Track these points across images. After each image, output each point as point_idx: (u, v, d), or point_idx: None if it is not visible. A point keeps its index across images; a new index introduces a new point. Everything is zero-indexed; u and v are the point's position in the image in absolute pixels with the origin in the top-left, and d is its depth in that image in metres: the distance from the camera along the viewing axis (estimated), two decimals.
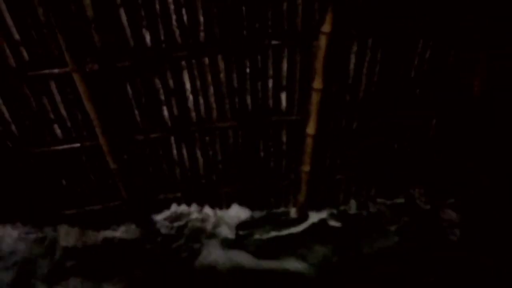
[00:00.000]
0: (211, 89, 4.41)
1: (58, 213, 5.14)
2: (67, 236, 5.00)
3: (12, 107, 4.21)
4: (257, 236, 5.29)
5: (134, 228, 5.27)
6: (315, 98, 4.44)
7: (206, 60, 4.20)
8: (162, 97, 4.41)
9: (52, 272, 4.76)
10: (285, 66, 4.37)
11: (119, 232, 5.21)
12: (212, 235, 5.18)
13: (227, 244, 5.12)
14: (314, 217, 5.56)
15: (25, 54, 3.89)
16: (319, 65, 4.24)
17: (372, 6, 4.02)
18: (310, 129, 4.66)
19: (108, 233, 5.18)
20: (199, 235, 5.18)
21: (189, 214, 5.31)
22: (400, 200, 5.79)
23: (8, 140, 4.44)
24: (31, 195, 4.92)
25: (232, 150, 4.96)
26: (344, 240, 5.23)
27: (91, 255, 4.95)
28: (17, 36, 3.74)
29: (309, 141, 4.75)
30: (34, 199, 4.97)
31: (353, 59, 4.43)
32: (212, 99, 4.49)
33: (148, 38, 3.97)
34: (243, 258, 4.92)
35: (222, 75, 4.33)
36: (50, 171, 4.75)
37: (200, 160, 4.99)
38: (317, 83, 4.34)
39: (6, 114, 4.25)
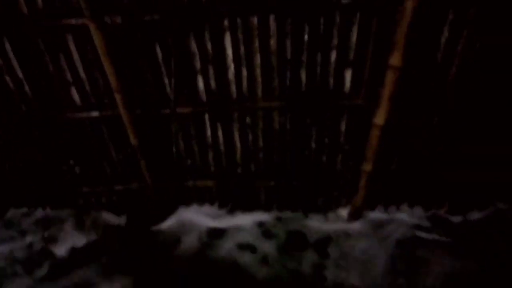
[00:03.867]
0: (258, 59, 3.53)
1: (74, 190, 4.53)
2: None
3: (25, 63, 3.59)
4: None
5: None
6: (390, 78, 3.43)
7: (255, 20, 3.32)
8: (198, 64, 3.60)
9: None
10: (355, 34, 3.40)
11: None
12: None
13: None
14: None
15: (39, 0, 3.23)
16: (400, 35, 3.22)
17: None
18: (379, 118, 3.66)
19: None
20: None
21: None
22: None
23: (21, 102, 3.85)
24: (44, 168, 4.33)
25: (277, 137, 4.07)
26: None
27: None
28: None
29: (375, 133, 3.76)
30: (48, 173, 4.38)
31: (446, 33, 3.38)
32: (258, 71, 3.61)
33: None
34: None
35: (273, 41, 3.44)
36: (66, 141, 4.12)
37: (238, 145, 4.16)
38: (396, 59, 3.32)
39: (19, 71, 3.64)
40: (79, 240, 4.24)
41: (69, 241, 4.24)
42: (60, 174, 4.38)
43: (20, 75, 3.67)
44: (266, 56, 3.52)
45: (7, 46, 3.47)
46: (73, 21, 3.28)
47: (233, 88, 3.73)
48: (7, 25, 3.33)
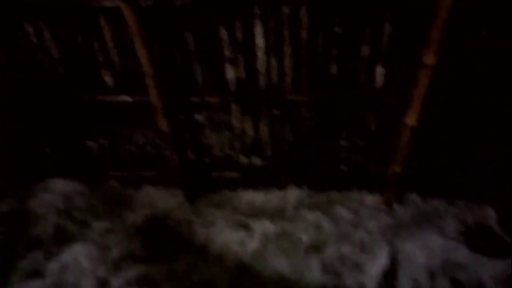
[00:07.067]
0: (288, 49, 3.48)
1: (104, 172, 4.64)
2: None
3: (59, 43, 3.71)
4: None
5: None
6: (423, 77, 3.29)
7: (286, 9, 3.27)
8: (227, 53, 3.59)
9: None
10: (388, 30, 3.28)
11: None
12: None
13: None
14: None
15: None
16: (437, 30, 3.08)
17: None
18: (410, 118, 3.52)
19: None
20: None
21: None
22: None
23: (55, 83, 3.98)
24: (77, 148, 4.47)
25: (305, 132, 4.00)
26: None
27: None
28: None
29: (406, 133, 3.61)
30: (81, 153, 4.51)
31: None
32: (287, 61, 3.56)
33: None
34: None
35: (304, 33, 3.38)
36: (98, 123, 4.23)
37: (266, 136, 4.11)
38: (429, 57, 3.18)
39: (54, 51, 3.77)
40: None
41: None
42: (89, 156, 4.51)
43: (56, 54, 3.79)
44: (296, 46, 3.46)
45: (42, 25, 3.60)
46: (106, 3, 3.36)
47: (261, 79, 3.70)
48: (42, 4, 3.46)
